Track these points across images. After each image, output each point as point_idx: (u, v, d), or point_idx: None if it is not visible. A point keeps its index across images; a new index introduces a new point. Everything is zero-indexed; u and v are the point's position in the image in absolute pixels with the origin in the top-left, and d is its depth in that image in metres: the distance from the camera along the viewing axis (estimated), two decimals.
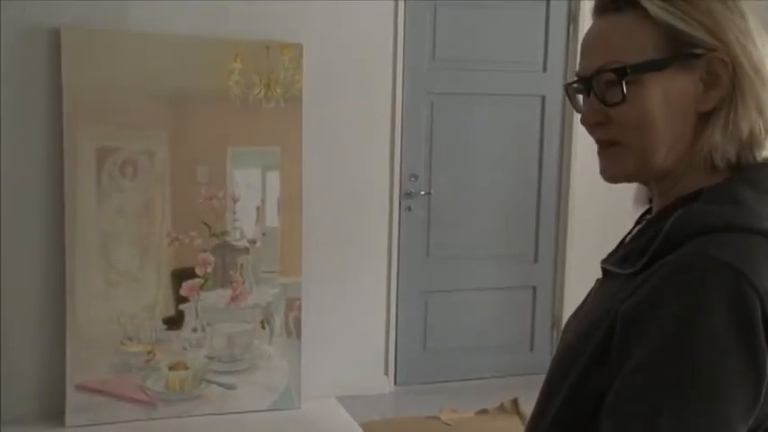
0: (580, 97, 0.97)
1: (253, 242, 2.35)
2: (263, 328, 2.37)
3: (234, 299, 2.33)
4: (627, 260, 0.91)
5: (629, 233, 1.00)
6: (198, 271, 2.26)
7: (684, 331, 0.79)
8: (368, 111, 2.52)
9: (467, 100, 2.83)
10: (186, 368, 2.27)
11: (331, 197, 2.49)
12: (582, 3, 2.81)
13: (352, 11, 2.46)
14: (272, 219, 2.37)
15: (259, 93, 2.30)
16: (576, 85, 0.96)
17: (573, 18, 2.91)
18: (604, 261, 0.96)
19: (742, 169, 0.90)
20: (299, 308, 2.40)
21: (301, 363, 2.39)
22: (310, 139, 2.37)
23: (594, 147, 0.93)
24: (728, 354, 0.79)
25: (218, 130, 2.27)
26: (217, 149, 2.28)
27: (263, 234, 2.36)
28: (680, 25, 0.87)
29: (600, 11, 0.93)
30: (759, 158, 0.90)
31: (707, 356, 0.79)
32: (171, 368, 2.25)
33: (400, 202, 2.72)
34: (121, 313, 2.19)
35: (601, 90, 0.90)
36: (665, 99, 0.88)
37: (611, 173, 0.93)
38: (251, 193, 2.34)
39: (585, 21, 2.84)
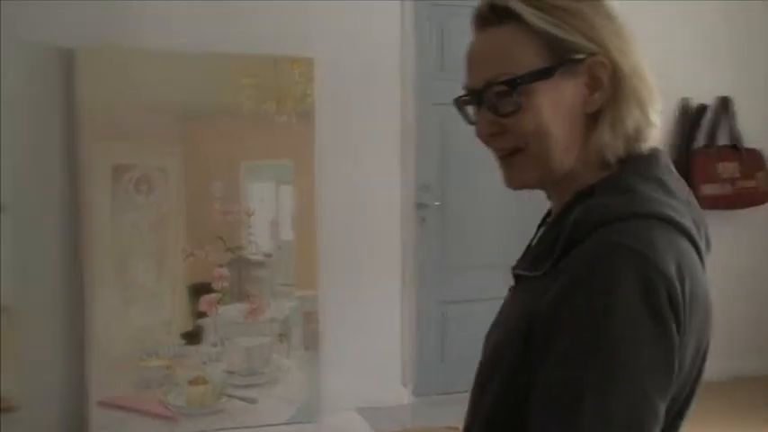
0: (470, 110, 0.99)
1: (268, 256, 2.38)
2: (281, 341, 2.40)
3: (251, 313, 2.36)
4: (535, 263, 0.94)
5: (534, 237, 1.04)
6: (215, 285, 2.29)
7: (597, 318, 0.82)
8: (379, 122, 2.54)
9: None
10: (206, 382, 2.30)
11: (344, 209, 2.51)
12: None
13: (361, 23, 2.49)
14: (287, 232, 2.40)
15: (271, 107, 2.34)
16: (465, 98, 0.98)
17: None
18: (515, 267, 0.99)
19: (630, 161, 0.93)
20: (317, 321, 2.43)
21: (320, 375, 2.41)
22: (323, 152, 2.39)
23: None
24: (641, 334, 0.82)
25: (231, 145, 2.30)
26: (230, 164, 2.31)
27: (278, 248, 2.39)
28: (559, 33, 0.91)
29: (481, 24, 0.96)
30: (645, 150, 0.94)
31: (621, 339, 0.81)
32: (191, 383, 2.28)
33: (413, 213, 2.76)
34: (140, 329, 2.22)
35: (492, 102, 0.93)
36: (554, 105, 0.92)
37: (517, 181, 0.97)
38: (265, 206, 2.37)
39: None
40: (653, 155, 0.95)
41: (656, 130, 0.95)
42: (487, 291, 3.11)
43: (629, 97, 0.93)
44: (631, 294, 0.82)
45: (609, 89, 0.92)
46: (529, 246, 1.03)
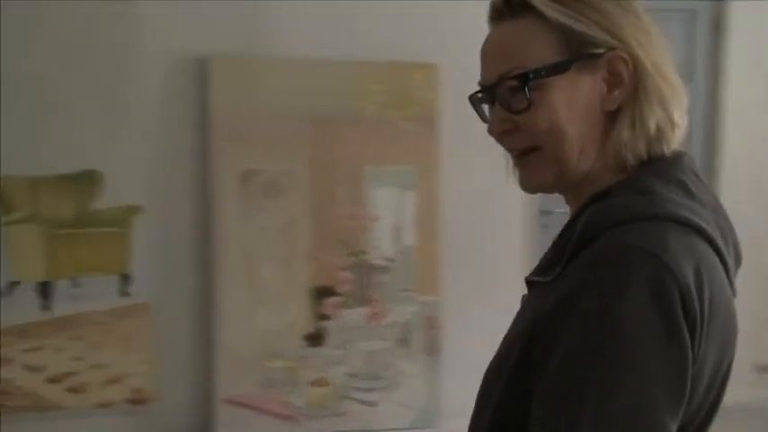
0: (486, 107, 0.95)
1: (391, 261, 2.41)
2: (402, 346, 2.42)
3: (373, 317, 2.40)
4: (548, 268, 0.89)
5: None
6: (338, 289, 2.34)
7: (605, 319, 0.77)
8: None
9: None
10: (327, 384, 2.35)
11: (467, 215, 2.51)
12: (729, 4, 2.73)
13: (487, 28, 2.49)
14: (409, 237, 2.42)
15: (395, 113, 2.37)
16: (480, 95, 0.95)
17: (717, 25, 2.84)
18: (528, 274, 0.94)
19: (651, 163, 0.88)
20: (438, 326, 2.44)
21: (440, 381, 2.42)
22: (446, 157, 2.40)
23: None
24: (651, 339, 0.77)
25: (356, 150, 2.35)
26: (355, 169, 2.36)
27: (401, 252, 2.42)
28: (576, 26, 0.87)
29: (496, 17, 0.93)
30: (668, 152, 0.89)
31: (630, 342, 0.76)
32: (313, 384, 2.33)
33: (536, 220, 2.73)
34: (265, 330, 2.30)
35: (505, 98, 0.90)
36: (570, 101, 0.87)
37: (535, 182, 0.93)
38: (388, 211, 2.41)
39: (732, 28, 2.76)
40: (676, 157, 0.89)
41: (680, 131, 0.90)
42: None
43: (651, 95, 0.87)
44: (642, 297, 0.77)
45: (629, 86, 0.87)
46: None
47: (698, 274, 0.80)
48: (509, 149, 0.94)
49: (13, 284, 2.10)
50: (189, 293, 2.26)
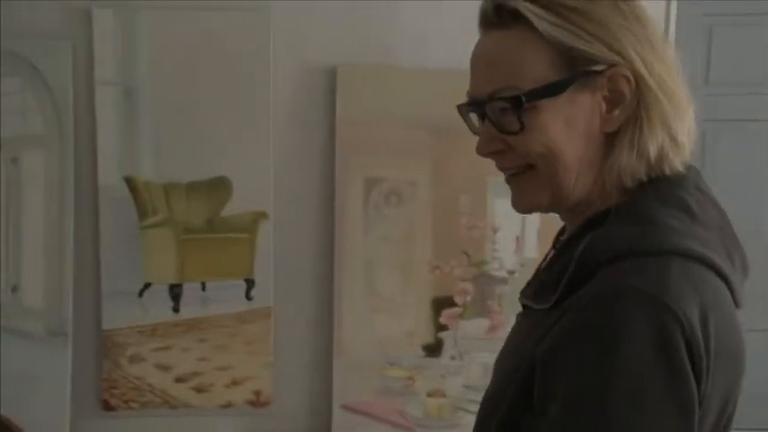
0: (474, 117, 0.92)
1: (511, 273, 2.42)
2: None
3: (492, 329, 2.42)
4: (541, 293, 0.86)
5: (544, 260, 0.95)
6: (457, 300, 2.38)
7: (604, 370, 0.74)
8: None
9: (747, 128, 2.72)
10: (444, 396, 2.39)
11: None
12: None
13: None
14: (531, 249, 2.44)
15: None
16: (468, 106, 0.92)
17: None
18: (521, 293, 0.92)
19: (651, 184, 0.84)
20: None
21: None
22: None
23: None
24: (652, 389, 0.73)
25: (478, 161, 2.36)
26: (477, 179, 2.39)
27: (522, 265, 2.43)
28: (574, 42, 0.81)
29: (486, 24, 0.87)
30: (670, 171, 0.84)
31: (629, 398, 0.73)
32: (429, 395, 2.38)
33: None
34: (384, 338, 2.36)
35: (496, 117, 0.86)
36: (567, 122, 0.83)
37: (525, 204, 0.91)
38: (510, 223, 2.43)
39: None
40: (678, 176, 0.85)
41: (685, 151, 0.86)
42: (759, 322, 2.96)
43: (654, 115, 0.83)
44: (643, 346, 0.74)
45: (631, 105, 0.83)
46: (538, 269, 0.95)
47: (704, 313, 0.77)
48: (500, 169, 0.91)
49: (147, 286, 2.25)
50: (310, 299, 2.34)
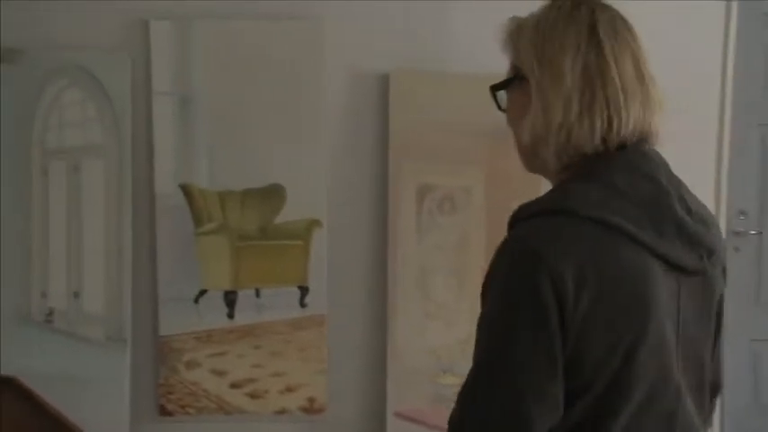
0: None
1: None
2: None
3: None
4: None
5: None
6: None
7: (491, 297, 1.06)
8: (692, 142, 2.51)
9: None
10: None
11: None
12: None
13: (677, 36, 2.48)
14: None
15: None
16: None
17: None
18: None
19: (583, 163, 1.12)
20: None
21: None
22: None
23: None
24: (516, 312, 1.02)
25: None
26: (530, 185, 2.41)
27: None
28: (513, 59, 1.21)
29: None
30: (611, 148, 1.12)
31: (502, 314, 1.04)
32: None
33: (727, 241, 2.68)
34: (437, 345, 2.40)
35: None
36: (513, 110, 1.22)
37: (524, 167, 1.28)
38: None
39: None
40: (612, 156, 1.12)
41: (596, 135, 1.12)
42: None
43: (539, 107, 1.17)
44: (513, 277, 1.03)
45: (525, 103, 1.18)
46: None
47: (580, 262, 1.02)
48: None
49: (202, 292, 2.33)
50: (363, 306, 2.39)
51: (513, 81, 1.20)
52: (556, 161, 1.14)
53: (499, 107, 1.25)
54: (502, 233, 2.49)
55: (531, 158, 1.20)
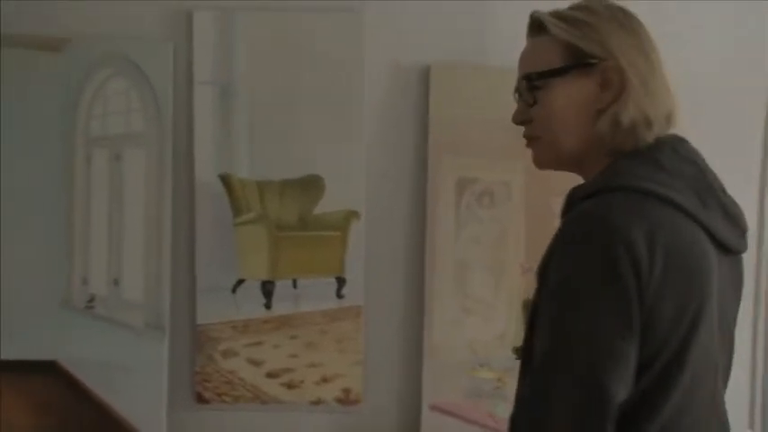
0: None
1: None
2: None
3: None
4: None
5: None
6: None
7: (562, 276, 1.08)
8: (736, 143, 2.49)
9: None
10: None
11: None
12: None
13: (722, 33, 2.46)
14: None
15: None
16: (515, 93, 1.30)
17: None
18: None
19: (630, 150, 1.18)
20: None
21: None
22: None
23: None
24: (592, 289, 1.05)
25: None
26: (571, 180, 2.43)
27: None
28: (576, 41, 1.19)
29: (528, 34, 1.29)
30: (641, 144, 1.17)
31: (580, 285, 1.06)
32: None
33: None
34: (474, 339, 2.43)
35: (524, 95, 1.26)
36: (565, 99, 1.20)
37: (538, 162, 1.31)
38: None
39: None
40: (656, 141, 1.17)
41: (655, 129, 1.18)
42: None
43: (630, 99, 1.17)
44: (589, 255, 1.06)
45: (616, 90, 1.17)
46: None
47: (649, 234, 1.05)
48: (523, 135, 1.30)
49: (240, 282, 2.38)
50: (400, 299, 2.42)
51: (578, 67, 1.19)
52: (606, 154, 1.20)
53: (532, 97, 1.24)
54: (541, 228, 2.52)
55: (572, 148, 1.22)
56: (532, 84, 1.22)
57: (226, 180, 2.36)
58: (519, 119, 1.28)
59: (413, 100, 2.39)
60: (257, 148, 2.37)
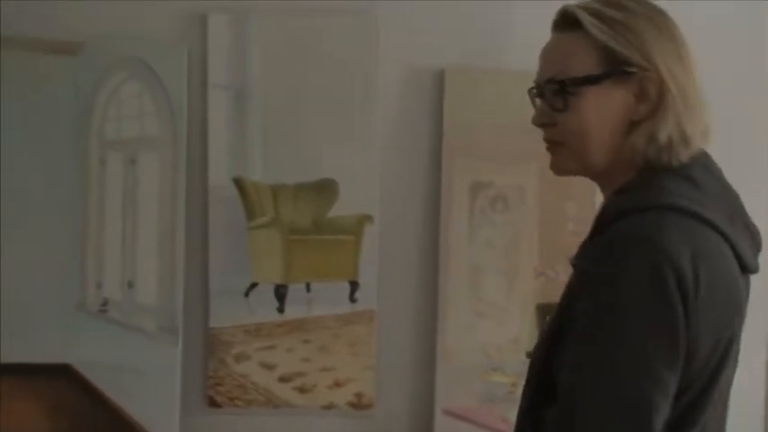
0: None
1: None
2: None
3: None
4: (579, 252, 1.15)
5: None
6: None
7: (609, 299, 1.01)
8: (742, 150, 2.49)
9: None
10: None
11: None
12: None
13: (722, 33, 2.46)
14: None
15: None
16: (533, 90, 1.22)
17: None
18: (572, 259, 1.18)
19: (663, 165, 1.11)
20: None
21: None
22: None
23: None
24: (640, 313, 0.99)
25: None
26: (585, 184, 2.44)
27: None
28: (615, 46, 1.10)
29: (555, 27, 1.19)
30: (674, 162, 1.11)
31: (627, 317, 0.99)
32: None
33: None
34: (487, 344, 2.44)
35: (549, 97, 1.16)
36: (599, 108, 1.11)
37: (558, 169, 1.23)
38: None
39: None
40: (689, 159, 1.11)
41: (693, 145, 1.11)
42: None
43: (669, 114, 1.10)
44: (637, 278, 0.99)
45: (653, 103, 1.10)
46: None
47: (694, 255, 1.01)
48: (544, 138, 1.22)
49: (253, 286, 2.40)
50: (413, 303, 2.43)
51: (615, 74, 1.10)
52: (636, 167, 1.13)
53: (562, 102, 1.12)
54: (554, 233, 2.53)
55: (599, 160, 1.14)
56: (565, 89, 1.12)
57: (239, 183, 2.38)
58: (541, 121, 1.20)
59: (426, 103, 2.41)
60: (271, 152, 2.40)
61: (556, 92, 1.14)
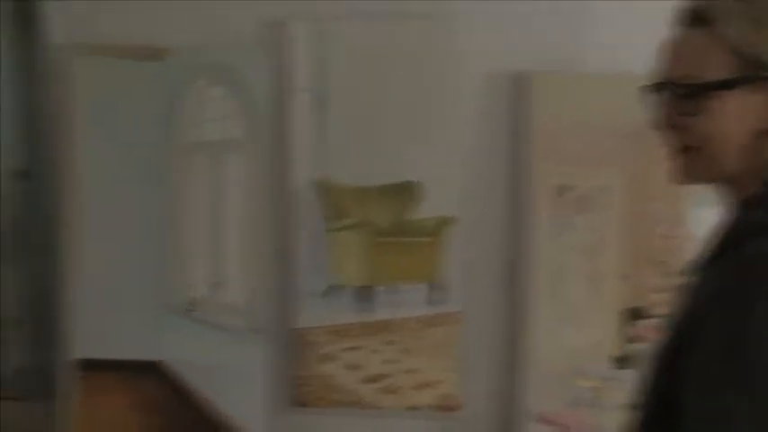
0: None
1: None
2: None
3: None
4: (698, 265, 1.08)
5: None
6: (652, 311, 2.42)
7: (740, 329, 0.94)
8: None
9: None
10: None
11: None
12: None
13: None
14: None
15: None
16: (654, 87, 1.14)
17: None
18: (687, 271, 1.12)
19: None
20: None
21: None
22: None
23: None
24: None
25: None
26: (670, 189, 2.40)
27: None
28: (753, 49, 1.03)
29: (683, 22, 1.10)
30: None
31: (757, 348, 0.92)
32: (621, 408, 2.43)
33: None
34: (571, 348, 2.42)
35: (679, 99, 1.08)
36: (734, 115, 1.05)
37: (686, 177, 1.14)
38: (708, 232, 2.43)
39: None
40: None
41: None
42: None
43: None
44: None
45: None
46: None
47: None
48: (672, 143, 1.13)
49: (336, 287, 2.44)
50: (497, 305, 2.44)
51: (753, 80, 1.04)
52: (763, 177, 1.08)
53: (695, 106, 1.07)
54: (639, 236, 2.51)
55: (730, 168, 1.08)
56: (698, 92, 1.06)
57: (322, 186, 2.43)
58: (670, 122, 1.12)
59: (508, 107, 2.41)
60: (353, 154, 2.43)
61: (687, 95, 1.08)
